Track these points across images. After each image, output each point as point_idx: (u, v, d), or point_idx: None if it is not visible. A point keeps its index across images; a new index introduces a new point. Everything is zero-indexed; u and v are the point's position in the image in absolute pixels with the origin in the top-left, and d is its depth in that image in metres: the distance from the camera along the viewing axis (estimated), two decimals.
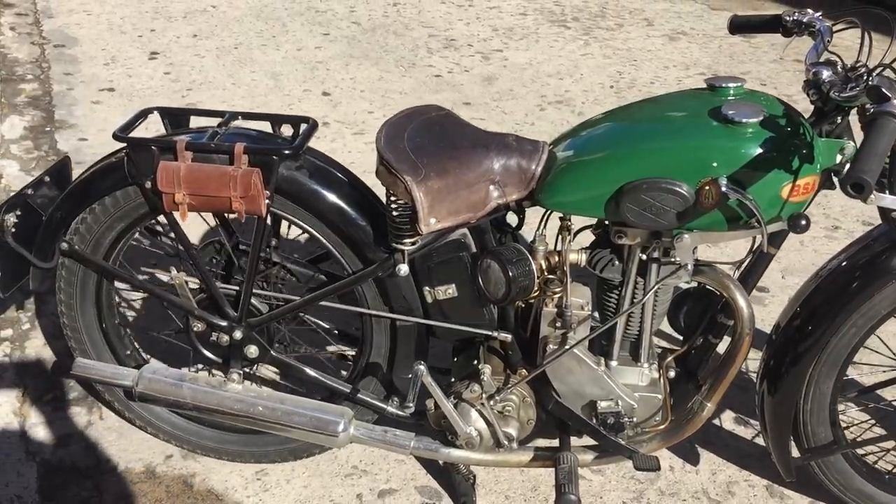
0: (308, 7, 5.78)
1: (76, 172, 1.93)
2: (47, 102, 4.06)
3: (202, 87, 4.36)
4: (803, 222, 1.49)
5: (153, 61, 4.66)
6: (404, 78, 4.63)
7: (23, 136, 3.70)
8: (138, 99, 4.15)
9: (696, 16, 6.06)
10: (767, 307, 2.72)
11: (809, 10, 1.77)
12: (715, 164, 1.51)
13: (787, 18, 1.77)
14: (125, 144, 1.67)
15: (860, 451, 1.94)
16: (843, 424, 1.90)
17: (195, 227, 1.99)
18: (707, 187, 1.49)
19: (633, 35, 5.58)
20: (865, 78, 1.46)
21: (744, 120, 1.50)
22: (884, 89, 1.36)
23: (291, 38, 5.16)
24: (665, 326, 1.92)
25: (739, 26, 1.88)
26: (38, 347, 2.41)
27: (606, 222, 1.70)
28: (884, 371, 2.10)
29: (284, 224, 1.88)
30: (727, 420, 2.26)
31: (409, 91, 4.45)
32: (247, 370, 1.89)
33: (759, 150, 1.49)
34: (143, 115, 1.77)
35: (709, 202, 1.50)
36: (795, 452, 1.89)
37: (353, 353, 1.95)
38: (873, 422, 2.15)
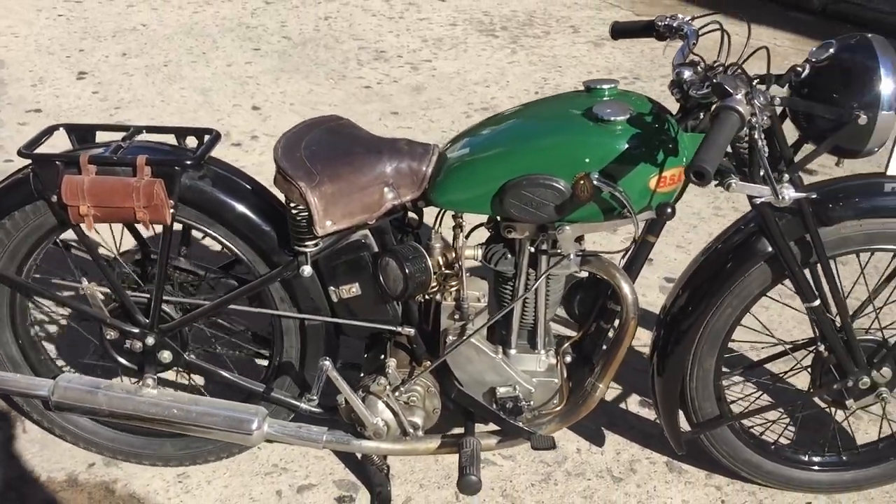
0: (239, 23, 5.84)
1: None
2: None
3: (131, 105, 4.39)
4: (669, 210, 1.62)
5: (81, 81, 4.68)
6: (334, 90, 4.71)
7: None
8: (65, 119, 4.17)
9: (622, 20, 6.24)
10: None
11: (679, 15, 1.90)
12: (587, 160, 1.62)
13: (660, 24, 1.89)
14: (31, 161, 1.73)
15: (747, 424, 2.07)
16: (731, 399, 2.03)
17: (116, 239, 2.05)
18: (581, 181, 1.60)
19: (559, 42, 5.74)
20: (714, 76, 1.59)
21: (612, 118, 1.62)
22: (726, 85, 1.48)
23: (222, 54, 5.21)
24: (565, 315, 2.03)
25: (620, 32, 2.01)
26: None
27: (498, 218, 1.80)
28: (763, 348, 2.24)
29: (198, 233, 1.95)
30: (633, 403, 2.38)
31: (339, 103, 4.54)
32: (162, 376, 1.95)
33: (627, 146, 1.61)
34: (49, 131, 1.83)
35: (584, 195, 1.61)
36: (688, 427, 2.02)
37: (268, 354, 2.03)
38: (757, 396, 2.29)
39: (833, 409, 2.10)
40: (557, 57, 5.43)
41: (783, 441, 2.11)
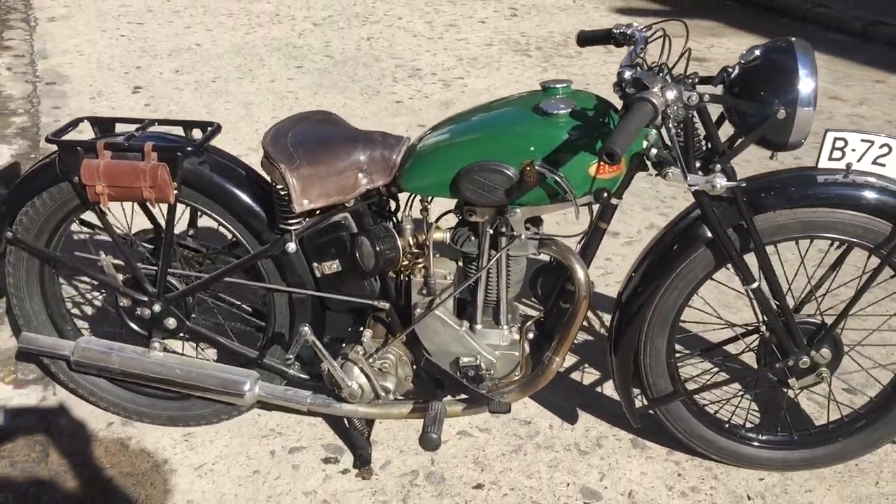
0: (286, 43, 6.18)
1: None
2: (34, 133, 4.44)
3: (178, 116, 4.72)
4: (605, 195, 1.81)
5: (136, 95, 5.05)
6: (367, 104, 4.98)
7: (9, 161, 4.06)
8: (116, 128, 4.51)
9: (657, 45, 6.40)
10: None
11: (634, 23, 2.09)
12: (532, 149, 1.82)
13: (616, 32, 2.08)
14: (56, 147, 2.01)
15: (702, 403, 2.21)
16: (686, 378, 2.18)
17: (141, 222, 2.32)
18: (527, 168, 1.80)
19: (591, 61, 5.93)
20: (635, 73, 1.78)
21: (555, 112, 1.81)
22: (644, 80, 1.67)
23: (267, 71, 5.54)
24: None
25: (585, 40, 2.20)
26: (4, 339, 2.73)
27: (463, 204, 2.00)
28: (714, 329, 2.38)
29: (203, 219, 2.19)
30: (608, 388, 2.53)
31: (370, 115, 4.80)
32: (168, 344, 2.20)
33: (567, 136, 1.80)
34: (75, 123, 2.11)
35: (530, 181, 1.81)
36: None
37: (263, 325, 2.26)
38: (712, 376, 2.44)
39: (787, 391, 2.23)
40: (587, 75, 5.61)
41: (738, 420, 2.25)
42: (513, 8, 7.50)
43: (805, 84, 1.75)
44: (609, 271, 3.20)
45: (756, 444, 2.18)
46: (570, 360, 2.66)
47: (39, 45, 5.92)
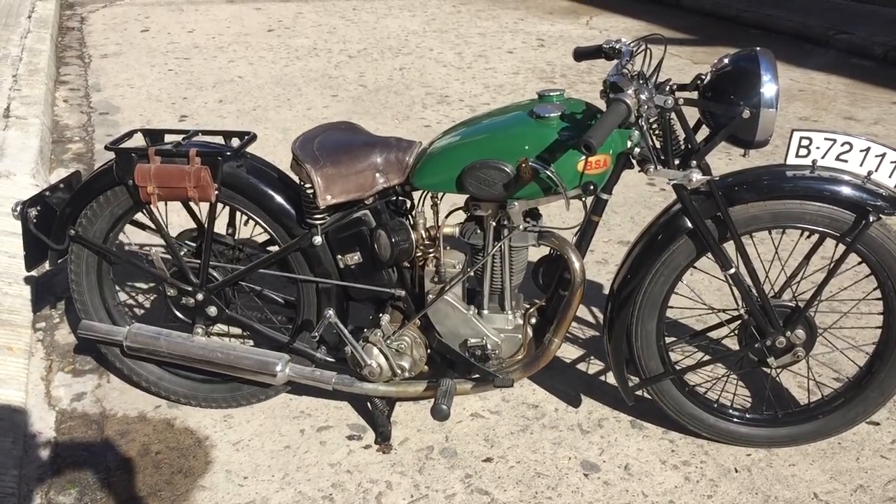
0: (323, 74, 6.52)
1: None
2: (89, 158, 4.80)
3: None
4: (591, 187, 2.04)
5: (181, 123, 5.39)
6: (397, 129, 5.27)
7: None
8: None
9: (678, 69, 6.64)
10: None
11: (623, 39, 2.33)
12: (527, 147, 2.06)
13: (606, 47, 2.32)
14: (114, 154, 2.30)
15: (692, 382, 2.41)
16: (677, 360, 2.38)
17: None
18: (523, 165, 2.04)
19: None
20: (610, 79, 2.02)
21: (546, 115, 2.06)
22: (619, 84, 1.91)
23: (304, 100, 5.87)
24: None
25: (580, 55, 2.45)
26: (64, 335, 3.02)
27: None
28: (701, 315, 2.58)
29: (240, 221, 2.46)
30: (612, 377, 2.73)
31: None
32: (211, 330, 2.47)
33: (558, 136, 2.04)
34: (130, 134, 2.41)
35: (526, 176, 2.05)
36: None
37: (293, 314, 2.52)
38: (700, 357, 2.63)
39: (768, 370, 2.42)
40: None
41: (726, 400, 2.44)
42: (540, 39, 7.79)
43: (768, 88, 1.97)
44: None
45: (743, 421, 2.37)
46: (577, 351, 2.88)
47: (93, 80, 6.33)
